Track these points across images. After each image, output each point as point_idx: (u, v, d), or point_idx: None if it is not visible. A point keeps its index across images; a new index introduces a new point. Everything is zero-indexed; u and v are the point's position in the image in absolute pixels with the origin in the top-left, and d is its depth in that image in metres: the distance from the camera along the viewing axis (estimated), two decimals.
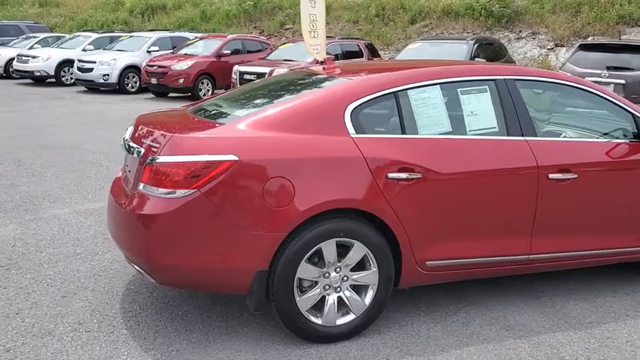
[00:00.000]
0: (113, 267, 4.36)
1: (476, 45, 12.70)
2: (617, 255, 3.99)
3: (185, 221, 3.07)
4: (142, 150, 3.29)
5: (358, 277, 3.35)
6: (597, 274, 4.30)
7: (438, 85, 3.55)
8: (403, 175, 3.30)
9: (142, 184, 3.23)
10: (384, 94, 3.43)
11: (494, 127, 3.61)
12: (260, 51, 16.39)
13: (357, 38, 16.23)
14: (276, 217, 3.11)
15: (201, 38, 16.75)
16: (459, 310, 3.79)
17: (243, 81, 13.34)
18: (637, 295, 4.08)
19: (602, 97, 3.94)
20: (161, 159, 3.12)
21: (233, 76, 13.61)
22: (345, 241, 3.26)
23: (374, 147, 3.29)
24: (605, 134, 4.01)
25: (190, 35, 17.85)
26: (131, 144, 3.47)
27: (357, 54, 14.98)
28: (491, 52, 13.30)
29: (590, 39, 12.50)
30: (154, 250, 3.15)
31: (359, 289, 3.38)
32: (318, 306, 3.32)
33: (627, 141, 3.92)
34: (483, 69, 3.92)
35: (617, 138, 3.96)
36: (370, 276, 3.36)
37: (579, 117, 4.18)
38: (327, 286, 3.31)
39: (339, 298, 3.35)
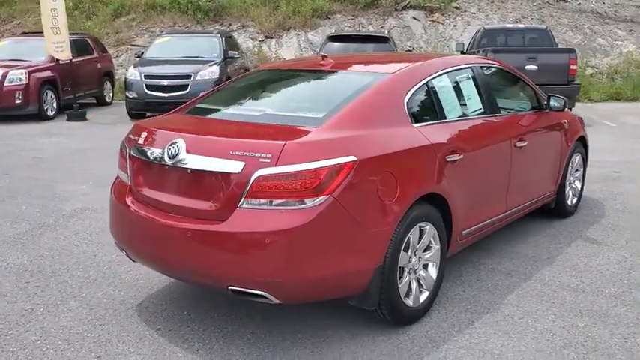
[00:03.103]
0: (109, 313, 3.67)
1: (222, 38, 13.07)
2: (537, 202, 5.02)
3: (320, 230, 2.93)
4: (235, 163, 2.94)
5: (428, 256, 3.62)
6: None
7: (446, 75, 3.97)
8: (454, 157, 3.67)
9: (246, 200, 2.92)
10: (422, 85, 3.71)
11: (481, 108, 4.21)
12: None
13: (83, 34, 14.86)
14: (389, 211, 3.19)
15: None
16: (463, 271, 4.32)
17: None
18: (546, 237, 5.16)
19: (518, 77, 4.88)
20: (281, 169, 2.87)
21: None
22: (422, 225, 3.49)
23: (432, 134, 3.58)
24: (520, 107, 4.95)
25: None
26: (200, 159, 3.05)
27: (87, 49, 13.79)
28: (231, 44, 13.80)
29: (334, 31, 13.92)
30: (285, 268, 2.90)
31: (426, 267, 3.65)
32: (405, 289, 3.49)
33: (537, 111, 4.94)
34: (461, 59, 4.45)
35: (526, 109, 4.94)
36: (435, 253, 3.65)
37: (506, 94, 5.04)
38: (411, 270, 3.50)
39: (417, 279, 3.57)
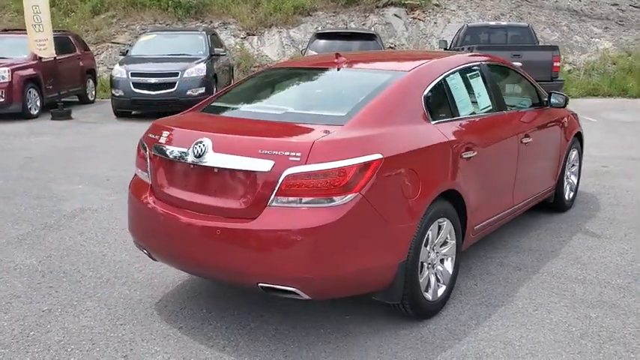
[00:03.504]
0: (129, 313, 3.66)
1: (208, 35, 13.03)
2: (540, 197, 5.13)
3: (349, 227, 2.97)
4: (264, 161, 2.96)
5: (445, 251, 3.69)
6: None
7: (458, 72, 4.04)
8: (469, 154, 3.74)
9: (276, 198, 2.95)
10: (437, 82, 3.77)
11: (490, 105, 4.29)
12: None
13: (65, 31, 14.63)
14: (412, 207, 3.24)
15: None
16: (472, 265, 4.40)
17: None
18: (547, 231, 5.29)
19: (520, 74, 4.98)
20: (311, 167, 2.91)
21: None
22: (440, 220, 3.56)
23: (449, 131, 3.64)
24: (521, 104, 5.05)
25: None
26: (228, 158, 3.06)
27: (69, 47, 13.59)
28: (216, 41, 13.77)
29: (318, 28, 13.92)
30: (315, 264, 2.94)
31: (442, 262, 3.72)
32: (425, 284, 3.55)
33: (538, 108, 5.04)
34: (470, 56, 4.50)
35: (527, 106, 5.04)
36: (451, 248, 3.72)
37: (510, 91, 5.14)
38: (429, 265, 3.56)
39: (435, 273, 3.63)
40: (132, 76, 11.24)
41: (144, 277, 4.19)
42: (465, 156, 3.69)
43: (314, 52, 11.81)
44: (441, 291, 3.66)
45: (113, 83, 11.54)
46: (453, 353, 3.21)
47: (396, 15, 19.78)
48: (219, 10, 19.15)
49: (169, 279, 4.15)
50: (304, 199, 2.94)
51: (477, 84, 4.22)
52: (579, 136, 5.80)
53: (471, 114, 4.02)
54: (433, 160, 3.44)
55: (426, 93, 3.63)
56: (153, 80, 11.16)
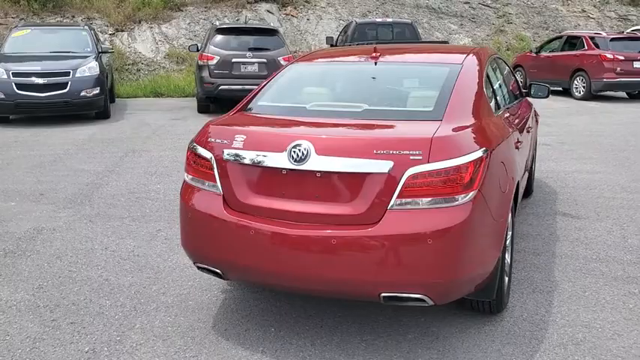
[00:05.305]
0: (190, 342, 3.22)
1: (91, 31, 12.01)
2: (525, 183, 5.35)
3: (473, 226, 2.86)
4: (382, 162, 2.75)
5: (507, 243, 3.69)
6: None
7: (489, 65, 4.05)
8: (518, 145, 3.80)
9: (397, 201, 2.76)
10: (485, 74, 3.74)
11: (508, 97, 4.39)
12: None
13: None
14: (506, 201, 3.22)
15: None
16: None
17: None
18: (530, 215, 5.55)
19: (508, 67, 5.16)
20: (435, 166, 2.75)
21: None
22: None
23: (506, 123, 3.67)
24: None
25: None
26: (337, 160, 2.80)
27: None
28: (96, 37, 12.70)
29: (217, 23, 13.23)
30: (445, 267, 2.79)
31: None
32: None
33: (523, 98, 5.26)
34: (487, 49, 4.52)
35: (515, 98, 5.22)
36: (510, 241, 3.73)
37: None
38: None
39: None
40: (14, 76, 9.94)
41: (174, 301, 3.72)
42: (519, 146, 3.74)
43: (214, 48, 11.34)
44: (506, 282, 3.67)
45: None
46: (551, 343, 3.23)
47: (268, 11, 19.63)
48: (82, 3, 17.67)
49: (205, 299, 3.73)
50: (424, 200, 2.78)
51: (499, 76, 4.29)
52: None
53: (504, 105, 4.08)
54: (510, 152, 3.44)
55: (483, 86, 3.60)
56: (41, 81, 9.95)
